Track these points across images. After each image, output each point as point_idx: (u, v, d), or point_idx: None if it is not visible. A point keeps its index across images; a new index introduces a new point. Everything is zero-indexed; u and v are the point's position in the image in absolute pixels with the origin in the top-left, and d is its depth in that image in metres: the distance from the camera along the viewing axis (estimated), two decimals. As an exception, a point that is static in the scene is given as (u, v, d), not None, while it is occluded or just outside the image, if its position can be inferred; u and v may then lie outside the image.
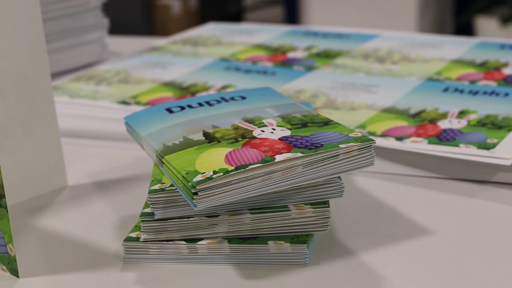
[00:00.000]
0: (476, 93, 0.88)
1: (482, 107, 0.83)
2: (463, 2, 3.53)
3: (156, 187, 0.61)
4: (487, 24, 3.27)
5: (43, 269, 0.62)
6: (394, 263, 0.60)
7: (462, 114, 0.82)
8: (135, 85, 0.99)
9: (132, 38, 1.39)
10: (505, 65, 0.97)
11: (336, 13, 3.21)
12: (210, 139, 0.63)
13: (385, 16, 3.18)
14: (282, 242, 0.60)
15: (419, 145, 0.75)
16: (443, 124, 0.79)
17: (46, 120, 0.75)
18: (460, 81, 0.92)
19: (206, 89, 0.96)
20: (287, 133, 0.63)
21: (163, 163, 0.62)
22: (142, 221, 0.61)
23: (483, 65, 0.98)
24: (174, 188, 0.60)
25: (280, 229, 0.61)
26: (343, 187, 0.61)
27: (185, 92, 0.95)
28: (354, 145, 0.60)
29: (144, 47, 1.20)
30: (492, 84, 0.91)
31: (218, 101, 0.72)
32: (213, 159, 0.59)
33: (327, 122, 0.65)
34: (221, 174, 0.57)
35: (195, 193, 0.56)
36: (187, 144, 0.63)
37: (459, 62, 1.00)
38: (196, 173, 0.58)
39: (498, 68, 0.96)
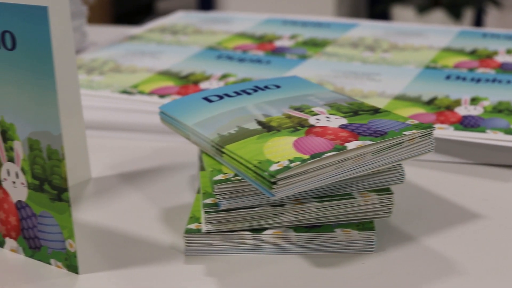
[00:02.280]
0: (478, 80, 0.90)
1: (491, 94, 0.85)
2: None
3: (220, 177, 0.60)
4: (403, 13, 3.36)
5: (101, 264, 0.60)
6: (457, 246, 0.61)
7: (474, 101, 0.84)
8: (130, 75, 0.97)
9: (101, 27, 1.35)
10: (495, 53, 1.00)
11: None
12: (267, 128, 0.63)
13: (303, 1, 3.21)
14: (349, 229, 0.60)
15: (446, 132, 0.76)
16: (461, 111, 0.81)
17: (72, 111, 0.72)
18: (459, 69, 0.95)
19: (206, 78, 0.95)
20: (344, 121, 0.63)
21: (223, 152, 0.61)
22: (206, 212, 0.60)
23: (473, 53, 1.01)
24: (240, 178, 0.59)
25: (345, 216, 0.61)
26: (404, 174, 0.62)
27: (185, 82, 0.94)
28: (417, 132, 0.61)
29: (117, 36, 1.17)
30: (490, 71, 0.93)
31: (254, 90, 0.71)
32: (282, 148, 0.59)
33: (376, 110, 0.66)
34: (298, 162, 0.56)
35: (274, 183, 0.56)
36: (244, 133, 0.62)
37: (449, 50, 1.03)
38: (270, 162, 0.57)
39: (490, 56, 0.99)
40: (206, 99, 0.70)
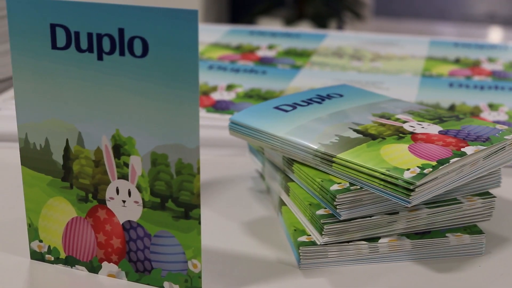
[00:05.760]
0: (482, 87, 0.94)
1: (503, 100, 0.89)
2: (241, 4, 3.68)
3: (336, 187, 0.59)
4: (271, 25, 3.43)
5: (218, 285, 0.57)
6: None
7: (492, 107, 0.87)
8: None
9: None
10: (479, 61, 1.05)
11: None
12: (370, 136, 0.62)
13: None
14: (460, 233, 0.61)
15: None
16: (488, 117, 0.84)
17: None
18: (455, 77, 0.98)
19: (213, 89, 0.92)
20: (438, 127, 0.64)
21: (333, 162, 0.60)
22: (324, 223, 0.59)
23: (458, 62, 1.05)
24: (358, 187, 0.58)
25: (452, 221, 0.62)
26: (501, 177, 0.63)
27: (194, 93, 0.91)
28: (516, 136, 0.62)
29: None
30: (487, 79, 0.97)
31: (322, 99, 0.70)
32: (400, 155, 0.59)
33: (457, 116, 0.67)
34: (430, 169, 0.56)
35: (411, 190, 0.55)
36: (349, 142, 0.61)
37: (433, 59, 1.06)
38: (400, 169, 0.57)
39: (476, 64, 1.03)
40: (278, 108, 0.68)
